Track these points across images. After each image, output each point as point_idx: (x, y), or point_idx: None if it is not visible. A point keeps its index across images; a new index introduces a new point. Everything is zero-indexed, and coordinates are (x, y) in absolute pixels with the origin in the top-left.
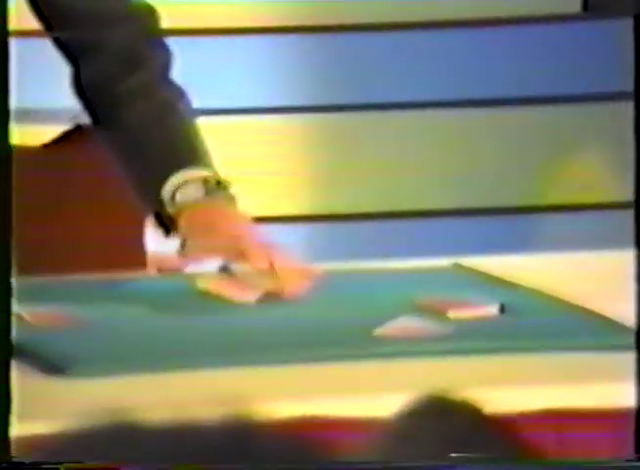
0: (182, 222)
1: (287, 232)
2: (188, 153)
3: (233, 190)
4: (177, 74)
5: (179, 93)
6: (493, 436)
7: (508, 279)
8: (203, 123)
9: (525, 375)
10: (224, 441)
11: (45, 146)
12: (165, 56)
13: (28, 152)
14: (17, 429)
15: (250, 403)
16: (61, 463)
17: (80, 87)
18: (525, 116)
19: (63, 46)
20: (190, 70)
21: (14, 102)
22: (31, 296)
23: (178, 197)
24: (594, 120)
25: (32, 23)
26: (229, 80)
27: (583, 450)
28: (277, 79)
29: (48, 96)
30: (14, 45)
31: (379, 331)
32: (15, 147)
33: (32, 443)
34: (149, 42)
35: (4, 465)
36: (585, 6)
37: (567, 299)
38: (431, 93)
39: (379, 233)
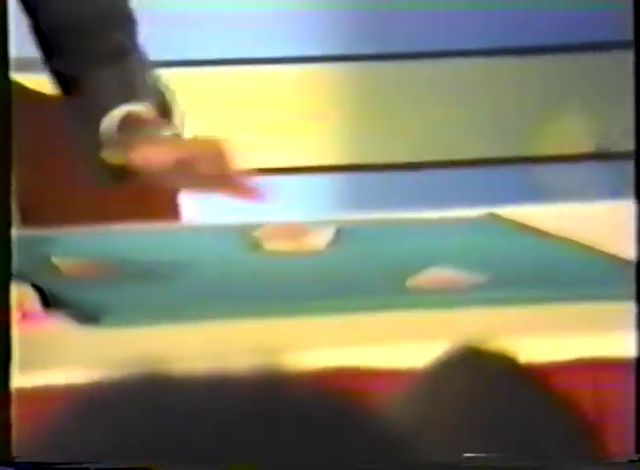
0: (133, 147)
1: (319, 182)
2: (136, 91)
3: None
4: (210, 25)
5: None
6: (527, 385)
7: (543, 228)
8: (233, 73)
9: (558, 324)
10: (257, 391)
11: None
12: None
13: (51, 99)
14: (50, 377)
15: (283, 354)
16: (74, 463)
17: (41, 35)
18: (555, 64)
19: None
20: (222, 20)
21: (32, 52)
22: (65, 245)
23: (125, 128)
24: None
25: None
26: (260, 30)
27: (617, 400)
28: (310, 29)
29: None
30: None
31: (411, 281)
32: (47, 95)
33: (65, 392)
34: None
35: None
36: None
37: (600, 248)
38: (463, 42)
39: (413, 183)
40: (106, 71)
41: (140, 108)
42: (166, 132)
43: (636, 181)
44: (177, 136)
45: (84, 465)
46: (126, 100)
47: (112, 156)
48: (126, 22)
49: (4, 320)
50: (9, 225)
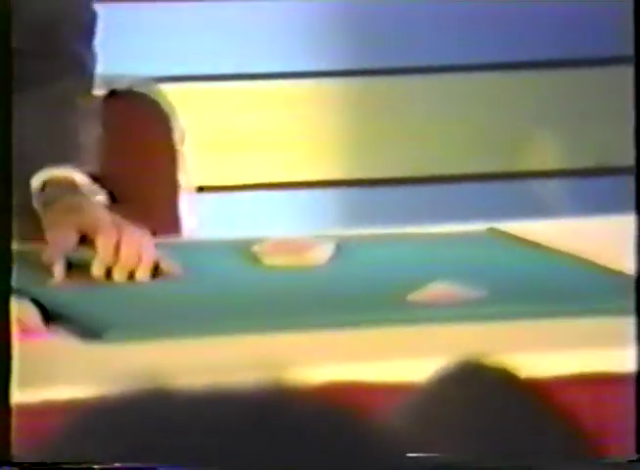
0: (46, 216)
1: (319, 197)
2: (64, 150)
3: (98, 196)
4: (209, 39)
5: (85, 80)
6: (527, 400)
7: (543, 243)
8: (233, 88)
9: (559, 339)
10: (259, 406)
11: None
12: (86, 20)
13: None
14: (51, 393)
15: (285, 369)
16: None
17: None
18: (553, 79)
19: None
20: (221, 34)
21: None
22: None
23: (46, 191)
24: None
25: None
26: (259, 45)
27: (617, 414)
28: (307, 44)
29: None
30: None
31: (412, 296)
32: None
33: (69, 407)
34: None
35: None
36: None
37: (600, 262)
38: (458, 57)
39: (413, 198)
40: (43, 120)
41: (65, 173)
42: (90, 198)
43: (637, 196)
44: (99, 204)
45: (85, 465)
46: (54, 161)
47: (36, 205)
48: (83, 57)
49: (4, 335)
50: (9, 240)
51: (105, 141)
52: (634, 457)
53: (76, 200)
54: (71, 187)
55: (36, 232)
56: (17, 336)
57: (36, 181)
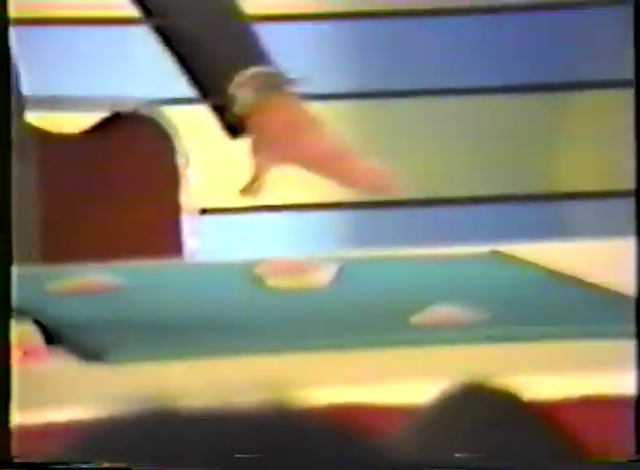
0: (251, 124)
1: (321, 219)
2: (253, 50)
3: (295, 86)
4: None
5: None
6: (531, 423)
7: (545, 266)
8: None
9: (563, 362)
10: (263, 427)
11: (83, 133)
12: None
13: (66, 139)
14: (53, 415)
15: (289, 390)
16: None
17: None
18: (548, 101)
19: None
20: None
21: (53, 89)
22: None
23: (245, 94)
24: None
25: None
26: None
27: (622, 438)
28: (307, 67)
29: (87, 83)
30: (56, 33)
31: (415, 318)
32: (52, 134)
33: (70, 429)
34: None
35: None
36: None
37: (603, 285)
38: (465, 79)
39: (416, 220)
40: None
41: (264, 69)
42: (290, 89)
43: (637, 219)
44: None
45: (84, 466)
46: (253, 59)
47: (237, 112)
48: None
49: (3, 356)
50: (10, 262)
51: (108, 163)
52: (634, 457)
53: (282, 106)
54: (270, 83)
55: None
56: (18, 358)
57: (235, 84)
